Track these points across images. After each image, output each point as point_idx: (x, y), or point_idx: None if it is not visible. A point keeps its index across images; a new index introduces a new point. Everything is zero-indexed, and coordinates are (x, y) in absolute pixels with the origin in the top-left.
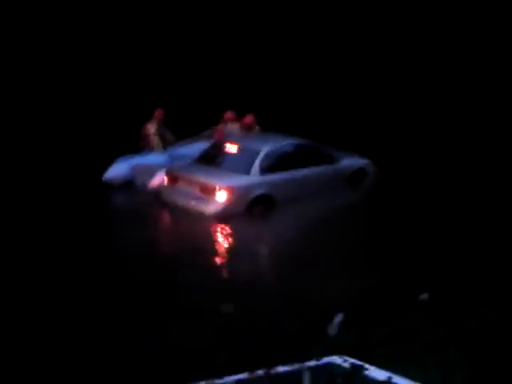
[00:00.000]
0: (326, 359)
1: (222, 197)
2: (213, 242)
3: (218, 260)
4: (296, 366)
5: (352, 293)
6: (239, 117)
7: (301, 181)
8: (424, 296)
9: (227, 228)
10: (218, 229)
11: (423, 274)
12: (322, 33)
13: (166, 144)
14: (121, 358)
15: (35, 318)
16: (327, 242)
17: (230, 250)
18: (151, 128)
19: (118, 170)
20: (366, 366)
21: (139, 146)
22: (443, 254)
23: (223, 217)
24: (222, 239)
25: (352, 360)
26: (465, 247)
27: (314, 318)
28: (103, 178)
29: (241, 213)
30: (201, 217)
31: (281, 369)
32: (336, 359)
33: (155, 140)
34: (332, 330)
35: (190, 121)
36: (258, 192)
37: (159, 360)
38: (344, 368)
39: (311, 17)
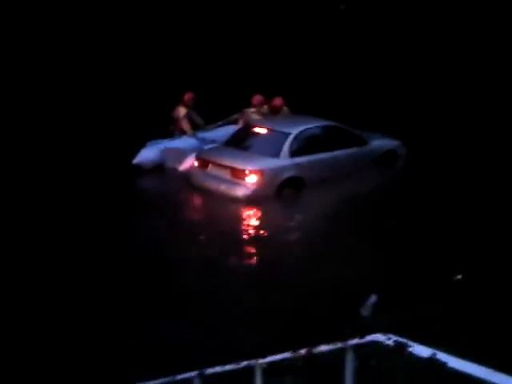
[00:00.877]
0: (369, 337)
1: (252, 180)
2: (244, 225)
3: (249, 244)
4: (338, 345)
5: (382, 275)
6: (267, 100)
7: (330, 163)
8: (458, 277)
9: (258, 211)
10: (249, 212)
11: (451, 257)
12: (349, 18)
13: (195, 128)
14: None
15: (68, 292)
16: (357, 225)
17: (261, 234)
18: (181, 111)
19: (148, 154)
20: (410, 343)
21: (169, 129)
22: (470, 238)
23: (254, 200)
24: (253, 222)
25: (396, 337)
26: (491, 231)
27: (348, 299)
28: (134, 162)
29: (271, 195)
30: (231, 200)
31: (323, 348)
32: (379, 337)
33: (185, 124)
34: (366, 311)
35: (218, 104)
36: (287, 174)
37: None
38: (388, 345)
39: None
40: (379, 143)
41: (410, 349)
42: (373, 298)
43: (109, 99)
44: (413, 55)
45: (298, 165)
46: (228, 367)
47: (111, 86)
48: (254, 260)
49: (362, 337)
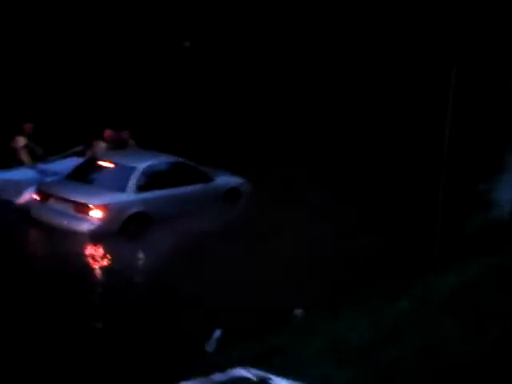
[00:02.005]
0: (231, 372)
1: (96, 215)
2: (86, 260)
3: (91, 278)
4: (203, 381)
5: (228, 311)
6: (115, 133)
7: (177, 199)
8: (298, 311)
9: (101, 246)
10: (92, 247)
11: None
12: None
13: (35, 159)
14: None
15: None
16: (199, 260)
17: (103, 268)
18: (20, 141)
19: None
20: (270, 376)
21: (8, 160)
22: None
23: (98, 235)
24: (96, 258)
25: (256, 371)
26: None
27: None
28: None
29: (116, 231)
30: (74, 235)
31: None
32: (241, 371)
33: (24, 154)
34: (211, 346)
35: (59, 137)
36: (133, 210)
37: None
38: (250, 380)
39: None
40: (224, 180)
41: (271, 382)
42: (217, 333)
43: None
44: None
45: (144, 200)
46: None
47: None
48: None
49: (224, 371)
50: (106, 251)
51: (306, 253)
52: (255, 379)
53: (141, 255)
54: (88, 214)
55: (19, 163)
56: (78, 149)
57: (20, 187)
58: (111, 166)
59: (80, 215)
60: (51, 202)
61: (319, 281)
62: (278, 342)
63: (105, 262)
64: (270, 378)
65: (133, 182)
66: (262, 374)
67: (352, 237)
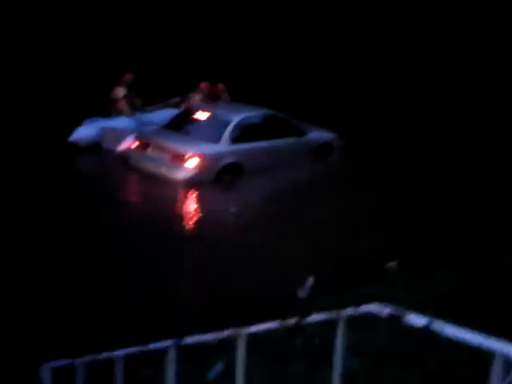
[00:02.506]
0: (363, 307)
1: (192, 164)
2: (182, 207)
3: (186, 226)
4: (331, 315)
5: (321, 259)
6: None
7: (269, 151)
8: (392, 264)
9: (196, 194)
10: (188, 195)
11: (386, 244)
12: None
13: (134, 109)
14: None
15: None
16: (292, 212)
17: (199, 216)
18: (120, 92)
19: (85, 132)
20: (405, 312)
21: (107, 108)
22: (404, 226)
23: (193, 183)
24: (192, 205)
25: (390, 307)
26: (426, 219)
27: (286, 281)
28: (70, 139)
29: (210, 180)
30: (170, 183)
31: (314, 317)
32: (374, 307)
33: (123, 104)
34: (303, 293)
35: (157, 87)
36: (227, 160)
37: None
38: (383, 315)
39: None
40: (316, 135)
41: (406, 318)
42: (310, 281)
43: (48, 76)
44: (349, 46)
45: (237, 151)
46: (208, 337)
47: (51, 63)
48: (193, 241)
49: (357, 307)
50: (201, 199)
51: (396, 208)
52: (387, 314)
53: (234, 204)
54: (184, 163)
55: (118, 113)
56: (174, 100)
57: (120, 136)
58: (207, 117)
59: (176, 164)
60: (149, 150)
61: (409, 238)
62: (374, 292)
63: (200, 209)
64: (405, 314)
65: (227, 133)
66: (396, 309)
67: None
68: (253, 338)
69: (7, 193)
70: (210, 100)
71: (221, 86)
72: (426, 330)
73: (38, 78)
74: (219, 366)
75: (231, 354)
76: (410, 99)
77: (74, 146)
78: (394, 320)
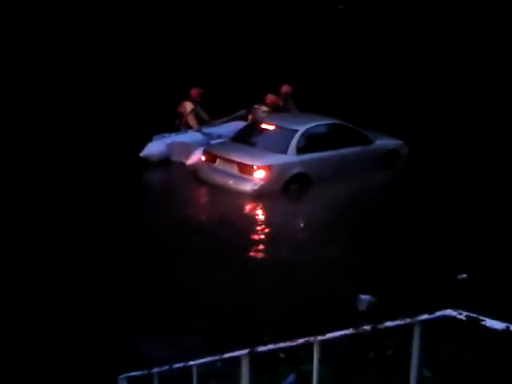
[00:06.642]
0: (438, 313)
1: (260, 175)
2: (252, 219)
3: (256, 237)
4: (406, 321)
5: (384, 272)
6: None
7: (336, 161)
8: (463, 276)
9: (265, 206)
10: (256, 206)
11: (455, 256)
12: (348, 17)
13: (201, 123)
14: None
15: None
16: (361, 222)
17: (269, 228)
18: (188, 107)
19: (154, 147)
20: (481, 317)
21: (175, 124)
22: (474, 237)
23: (261, 195)
24: (261, 217)
25: (466, 312)
26: (494, 230)
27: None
28: (141, 155)
29: (278, 191)
30: (238, 195)
31: (389, 323)
32: (450, 312)
33: (191, 118)
34: (362, 305)
35: (224, 100)
36: (294, 171)
37: None
38: (459, 320)
39: None
40: (383, 142)
41: (483, 323)
42: (367, 297)
43: (117, 94)
44: (413, 54)
45: (304, 161)
46: (283, 344)
47: (119, 81)
48: (263, 254)
49: (432, 312)
50: (270, 209)
51: (465, 219)
52: (465, 319)
53: (302, 214)
54: (252, 175)
55: (187, 127)
56: (240, 113)
57: (188, 150)
58: (273, 128)
59: (244, 176)
60: (217, 163)
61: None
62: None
63: (270, 220)
64: (481, 319)
65: (294, 144)
66: (473, 315)
67: None
68: (325, 348)
69: (84, 204)
70: (276, 111)
71: (286, 88)
72: (505, 333)
73: (110, 96)
74: (292, 377)
75: (303, 365)
76: (470, 103)
77: (145, 160)
78: (471, 325)
